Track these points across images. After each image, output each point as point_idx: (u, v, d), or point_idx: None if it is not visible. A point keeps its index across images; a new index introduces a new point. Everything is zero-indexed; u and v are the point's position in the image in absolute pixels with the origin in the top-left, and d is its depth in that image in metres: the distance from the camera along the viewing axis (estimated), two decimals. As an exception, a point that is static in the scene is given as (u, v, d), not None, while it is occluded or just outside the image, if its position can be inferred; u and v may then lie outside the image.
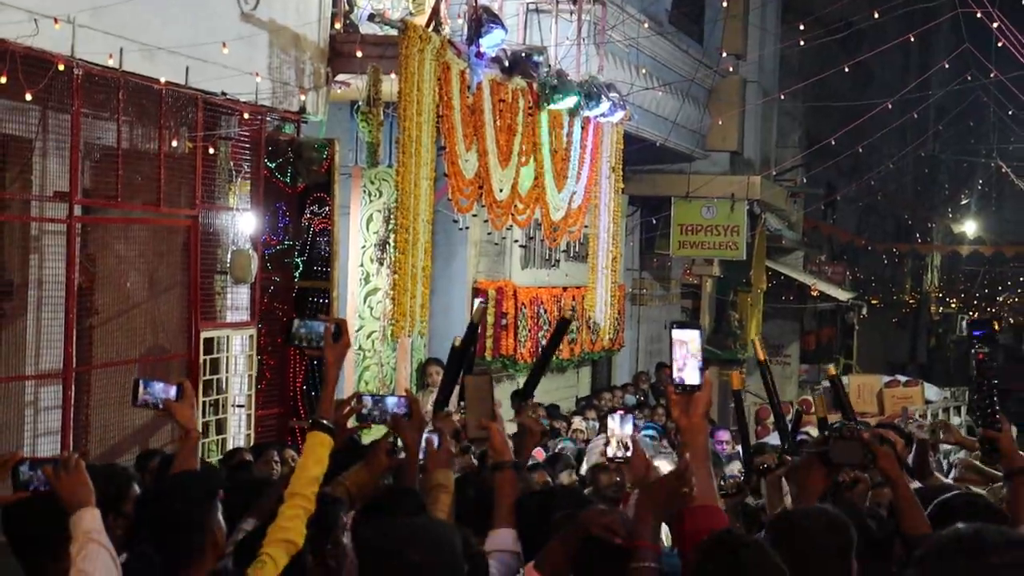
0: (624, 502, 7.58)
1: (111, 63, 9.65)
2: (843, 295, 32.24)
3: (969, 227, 52.52)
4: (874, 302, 41.44)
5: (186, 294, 11.16)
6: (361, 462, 5.90)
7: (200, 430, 6.30)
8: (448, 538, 4.12)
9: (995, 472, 8.62)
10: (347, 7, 13.11)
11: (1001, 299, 54.24)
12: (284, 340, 10.50)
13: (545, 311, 18.19)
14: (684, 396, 4.30)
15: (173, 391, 5.69)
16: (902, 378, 15.81)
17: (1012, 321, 56.01)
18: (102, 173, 10.16)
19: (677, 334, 4.29)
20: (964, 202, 52.57)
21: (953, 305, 54.02)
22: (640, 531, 4.16)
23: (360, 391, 7.85)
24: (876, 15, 21.36)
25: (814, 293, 30.56)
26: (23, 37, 8.66)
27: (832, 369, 8.90)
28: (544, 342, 16.83)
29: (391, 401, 5.77)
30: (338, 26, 12.85)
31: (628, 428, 5.60)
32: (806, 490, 5.06)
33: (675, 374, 4.29)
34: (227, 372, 11.63)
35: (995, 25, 16.91)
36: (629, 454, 5.58)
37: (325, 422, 5.21)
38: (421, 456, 5.69)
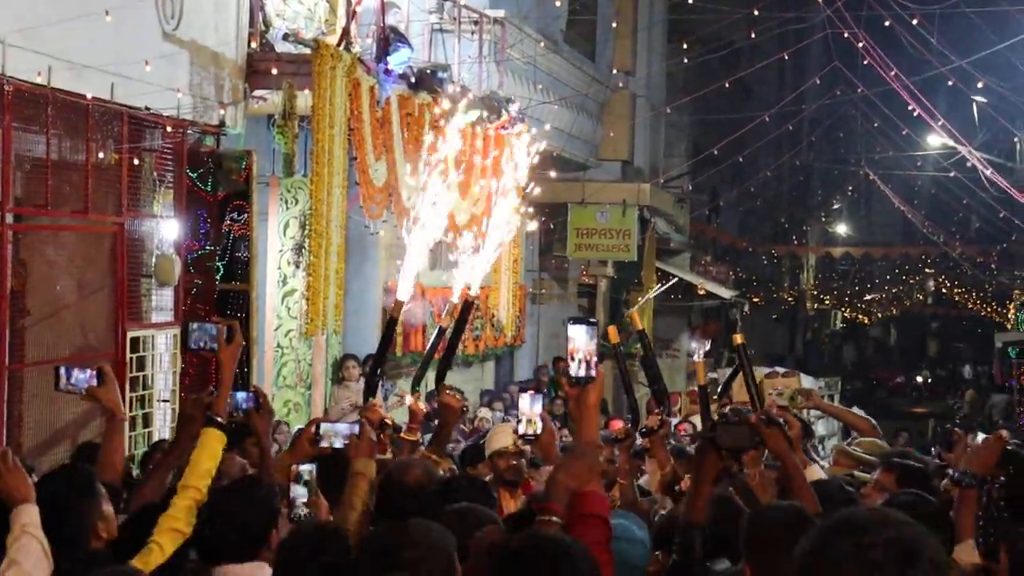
0: (525, 487, 7.73)
1: (40, 80, 9.60)
2: (727, 293, 32.67)
3: (841, 230, 53.46)
4: (755, 300, 42.05)
5: (113, 296, 11.11)
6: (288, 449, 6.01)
7: (126, 414, 6.31)
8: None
9: (869, 458, 8.78)
10: (263, 27, 13.12)
11: (870, 297, 55.23)
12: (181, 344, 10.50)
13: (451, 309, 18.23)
14: (578, 388, 4.36)
15: (94, 377, 5.69)
16: (780, 369, 16.08)
17: (880, 316, 56.92)
18: (33, 183, 10.09)
19: (572, 330, 4.36)
20: (836, 207, 53.46)
21: (827, 302, 54.91)
22: (553, 495, 4.13)
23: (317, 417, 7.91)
24: (753, 35, 21.73)
25: (700, 292, 30.93)
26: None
27: (739, 337, 8.99)
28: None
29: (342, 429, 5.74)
30: (255, 45, 12.86)
31: (538, 407, 5.71)
32: (701, 475, 4.97)
33: (571, 368, 4.35)
34: (152, 369, 11.60)
35: (861, 45, 17.27)
36: (539, 431, 5.68)
37: (219, 419, 5.28)
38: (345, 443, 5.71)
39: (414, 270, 8.03)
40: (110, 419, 5.82)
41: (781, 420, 5.49)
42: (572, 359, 4.33)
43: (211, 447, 5.20)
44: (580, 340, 4.32)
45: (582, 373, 4.31)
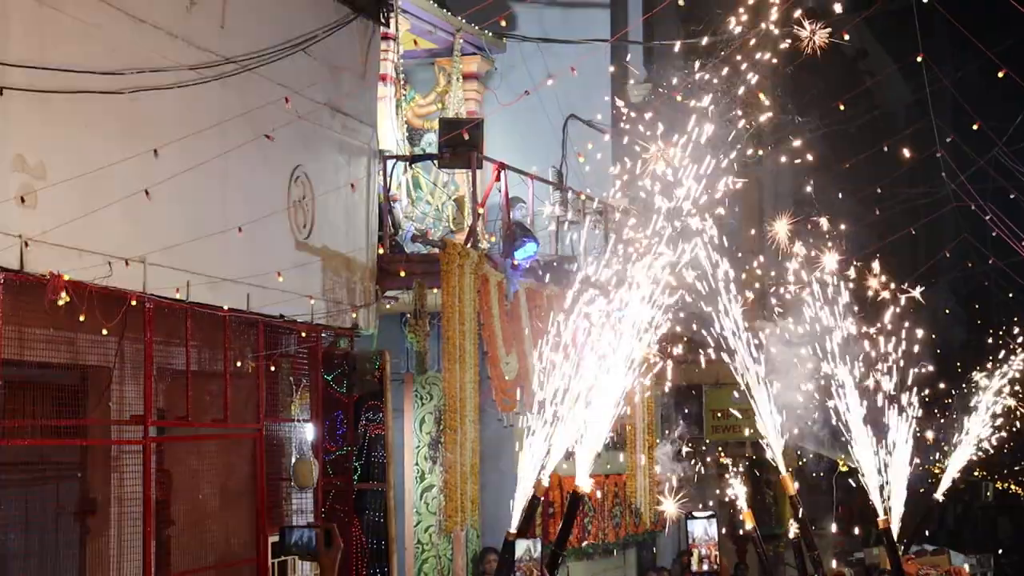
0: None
1: (179, 295, 9.90)
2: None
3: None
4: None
5: (254, 502, 11.21)
6: None
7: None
8: None
9: None
10: (392, 229, 13.43)
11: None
12: (278, 549, 10.56)
13: (588, 499, 18.05)
14: None
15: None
16: (928, 547, 15.52)
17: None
18: (174, 394, 10.33)
19: (692, 525, 4.30)
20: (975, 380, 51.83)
21: (976, 474, 52.96)
22: None
23: None
24: (878, 212, 21.49)
25: (843, 468, 30.18)
26: (99, 278, 8.93)
27: (883, 522, 8.72)
28: (590, 526, 16.78)
29: None
30: (384, 248, 13.13)
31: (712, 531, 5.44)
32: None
33: (692, 563, 4.28)
34: (293, 573, 11.60)
35: (988, 217, 16.99)
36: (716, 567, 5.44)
37: None
38: None
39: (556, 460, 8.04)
40: None
41: None
42: (691, 554, 4.29)
43: None
44: (699, 534, 4.26)
45: (705, 568, 4.25)
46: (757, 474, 26.73)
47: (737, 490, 9.94)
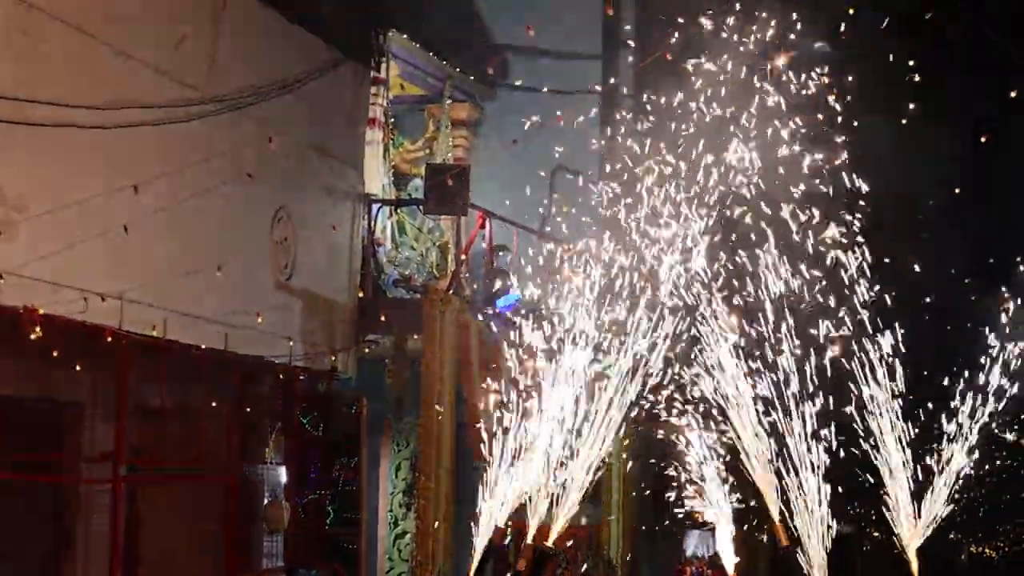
0: None
1: (155, 333, 9.76)
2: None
3: None
4: (875, 534, 40.52)
5: (224, 545, 11.04)
6: None
7: None
8: None
9: None
10: (375, 274, 13.32)
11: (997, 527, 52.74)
12: None
13: (559, 550, 17.83)
14: None
15: None
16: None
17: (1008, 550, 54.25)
18: (148, 434, 10.19)
19: (690, 537, 4.19)
20: None
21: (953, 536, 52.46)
22: None
23: None
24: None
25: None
26: (75, 313, 8.80)
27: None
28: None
29: None
30: (365, 292, 13.02)
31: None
32: None
33: None
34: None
35: None
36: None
37: None
38: None
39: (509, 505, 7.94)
40: None
41: None
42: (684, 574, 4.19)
43: None
44: (693, 546, 4.17)
45: None
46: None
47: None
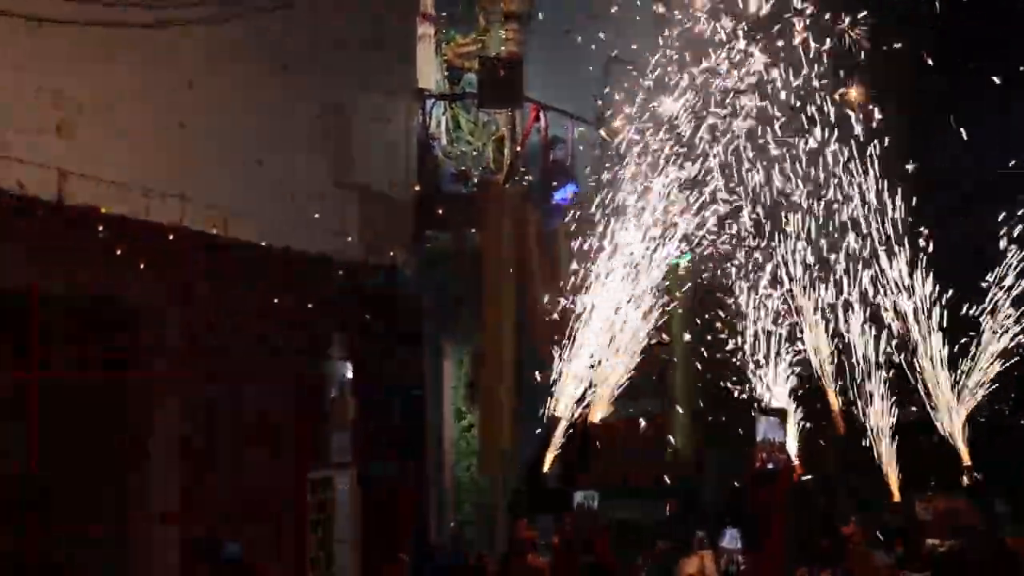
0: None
1: (216, 231, 9.77)
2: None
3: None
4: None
5: (292, 439, 11.13)
6: None
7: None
8: None
9: None
10: (431, 169, 13.26)
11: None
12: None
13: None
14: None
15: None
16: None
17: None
18: (213, 331, 10.24)
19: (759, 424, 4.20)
20: None
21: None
22: None
23: None
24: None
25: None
26: (137, 212, 8.81)
27: None
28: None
29: None
30: (422, 187, 12.96)
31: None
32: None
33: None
34: (333, 511, 11.58)
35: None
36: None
37: None
38: None
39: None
40: None
41: None
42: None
43: None
44: (763, 431, 4.19)
45: (770, 467, 4.18)
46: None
47: None
